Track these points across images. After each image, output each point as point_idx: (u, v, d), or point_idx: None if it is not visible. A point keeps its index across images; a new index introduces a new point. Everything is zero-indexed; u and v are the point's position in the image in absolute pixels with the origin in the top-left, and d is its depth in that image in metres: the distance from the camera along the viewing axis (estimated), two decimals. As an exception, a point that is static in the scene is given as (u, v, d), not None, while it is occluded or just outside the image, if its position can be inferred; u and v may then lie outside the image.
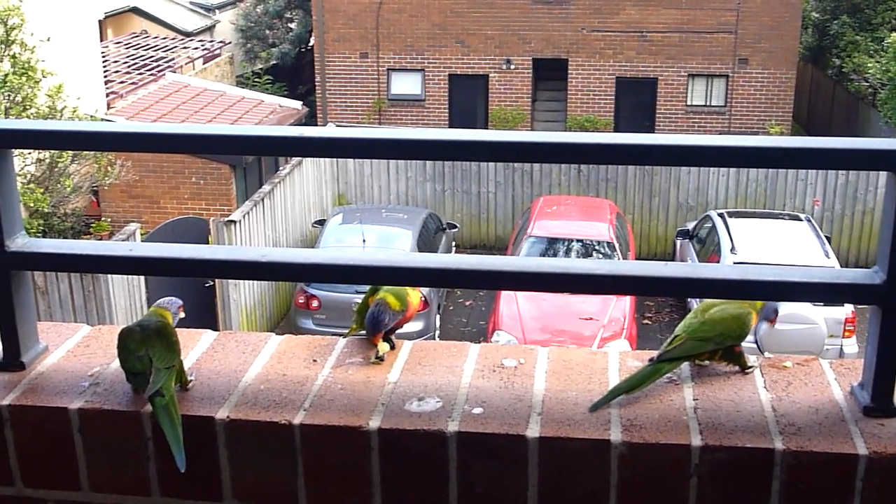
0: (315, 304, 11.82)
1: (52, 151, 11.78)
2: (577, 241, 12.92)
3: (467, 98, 21.60)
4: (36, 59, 12.17)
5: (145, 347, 1.59)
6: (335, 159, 15.55)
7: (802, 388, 1.63)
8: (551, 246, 12.86)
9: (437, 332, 12.28)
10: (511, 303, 11.25)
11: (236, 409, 1.57)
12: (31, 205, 11.40)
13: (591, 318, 11.04)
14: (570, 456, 1.49)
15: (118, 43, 21.09)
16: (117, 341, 1.63)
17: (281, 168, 14.72)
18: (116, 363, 1.65)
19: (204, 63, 21.49)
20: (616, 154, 1.63)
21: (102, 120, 14.06)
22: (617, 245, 12.78)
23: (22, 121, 8.06)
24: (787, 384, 1.64)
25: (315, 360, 1.72)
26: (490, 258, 1.64)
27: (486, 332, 11.63)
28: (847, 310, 11.10)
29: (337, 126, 17.51)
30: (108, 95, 16.71)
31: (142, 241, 11.46)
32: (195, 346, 1.77)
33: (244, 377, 1.67)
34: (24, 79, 11.88)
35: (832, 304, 10.65)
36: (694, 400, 1.59)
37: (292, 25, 25.97)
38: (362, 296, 1.84)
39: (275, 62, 24.81)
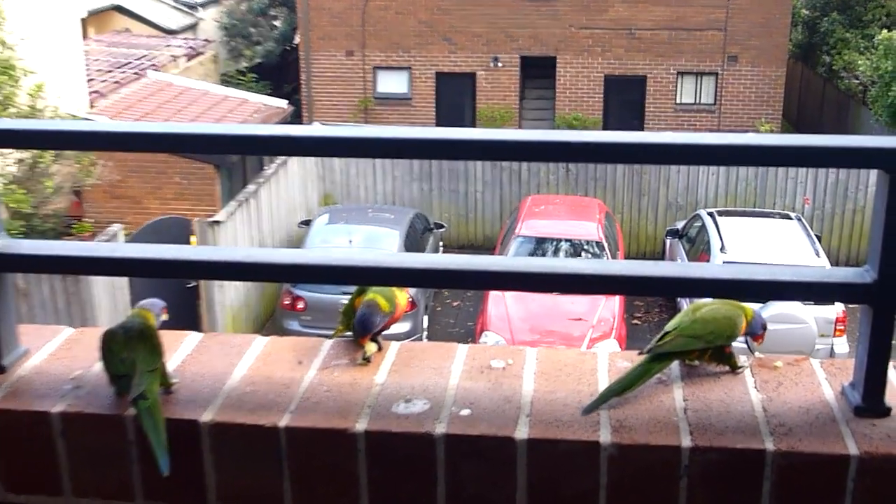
0: (301, 305, 11.76)
1: (34, 151, 11.69)
2: (566, 240, 12.89)
3: (454, 96, 21.57)
4: (16, 57, 12.08)
5: (128, 350, 1.57)
6: (321, 158, 15.50)
7: (793, 388, 1.62)
8: (540, 246, 12.84)
9: (425, 333, 12.26)
10: (499, 303, 11.22)
11: (221, 412, 1.55)
12: (12, 205, 11.30)
13: (580, 319, 11.02)
14: (560, 458, 1.48)
15: (101, 41, 20.96)
16: (100, 344, 1.61)
17: (266, 168, 14.63)
18: (99, 366, 1.63)
19: (187, 61, 21.38)
20: (605, 152, 1.62)
21: (84, 119, 13.97)
22: (606, 244, 12.77)
23: (2, 120, 8.00)
24: (778, 384, 1.63)
25: (301, 362, 1.71)
26: (478, 258, 1.62)
27: (475, 332, 11.60)
28: (837, 309, 11.12)
29: (323, 125, 17.44)
30: (90, 94, 16.59)
31: (125, 241, 11.38)
32: (179, 348, 1.75)
33: (229, 380, 1.65)
34: (4, 77, 11.79)
35: (823, 303, 10.68)
36: (684, 400, 1.58)
37: (277, 23, 25.89)
38: (348, 297, 1.82)
39: (259, 60, 24.72)
